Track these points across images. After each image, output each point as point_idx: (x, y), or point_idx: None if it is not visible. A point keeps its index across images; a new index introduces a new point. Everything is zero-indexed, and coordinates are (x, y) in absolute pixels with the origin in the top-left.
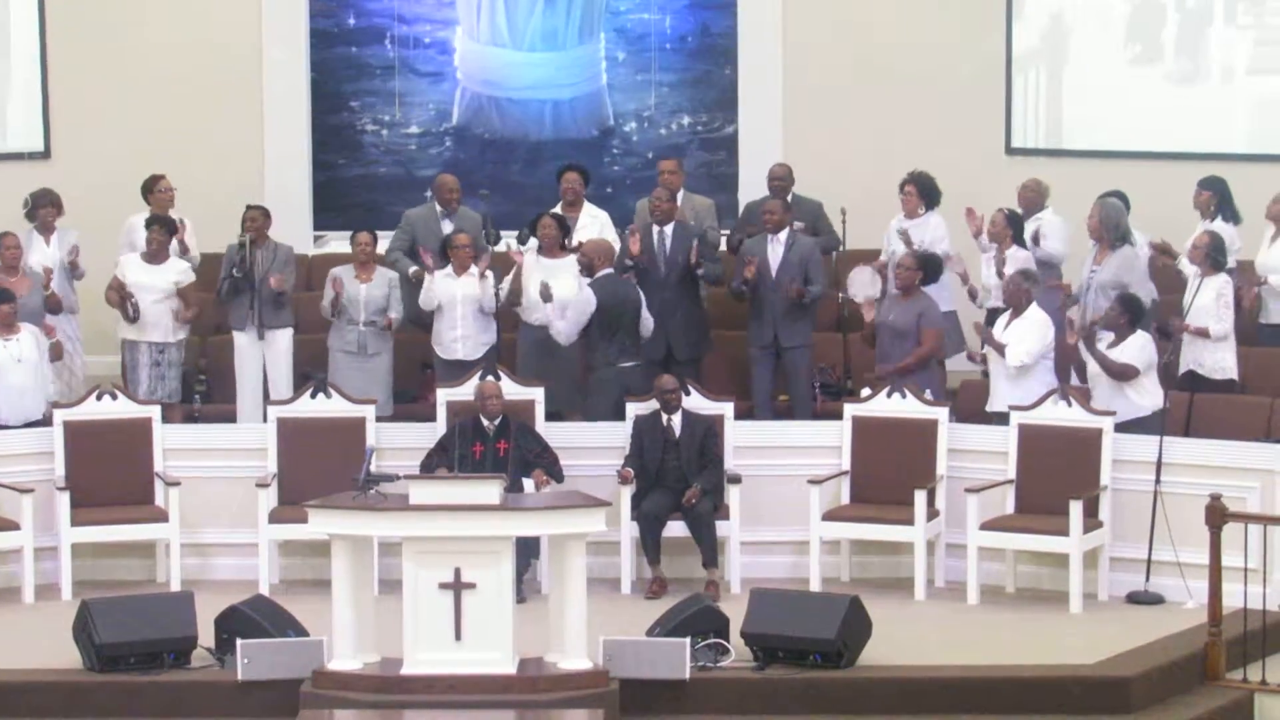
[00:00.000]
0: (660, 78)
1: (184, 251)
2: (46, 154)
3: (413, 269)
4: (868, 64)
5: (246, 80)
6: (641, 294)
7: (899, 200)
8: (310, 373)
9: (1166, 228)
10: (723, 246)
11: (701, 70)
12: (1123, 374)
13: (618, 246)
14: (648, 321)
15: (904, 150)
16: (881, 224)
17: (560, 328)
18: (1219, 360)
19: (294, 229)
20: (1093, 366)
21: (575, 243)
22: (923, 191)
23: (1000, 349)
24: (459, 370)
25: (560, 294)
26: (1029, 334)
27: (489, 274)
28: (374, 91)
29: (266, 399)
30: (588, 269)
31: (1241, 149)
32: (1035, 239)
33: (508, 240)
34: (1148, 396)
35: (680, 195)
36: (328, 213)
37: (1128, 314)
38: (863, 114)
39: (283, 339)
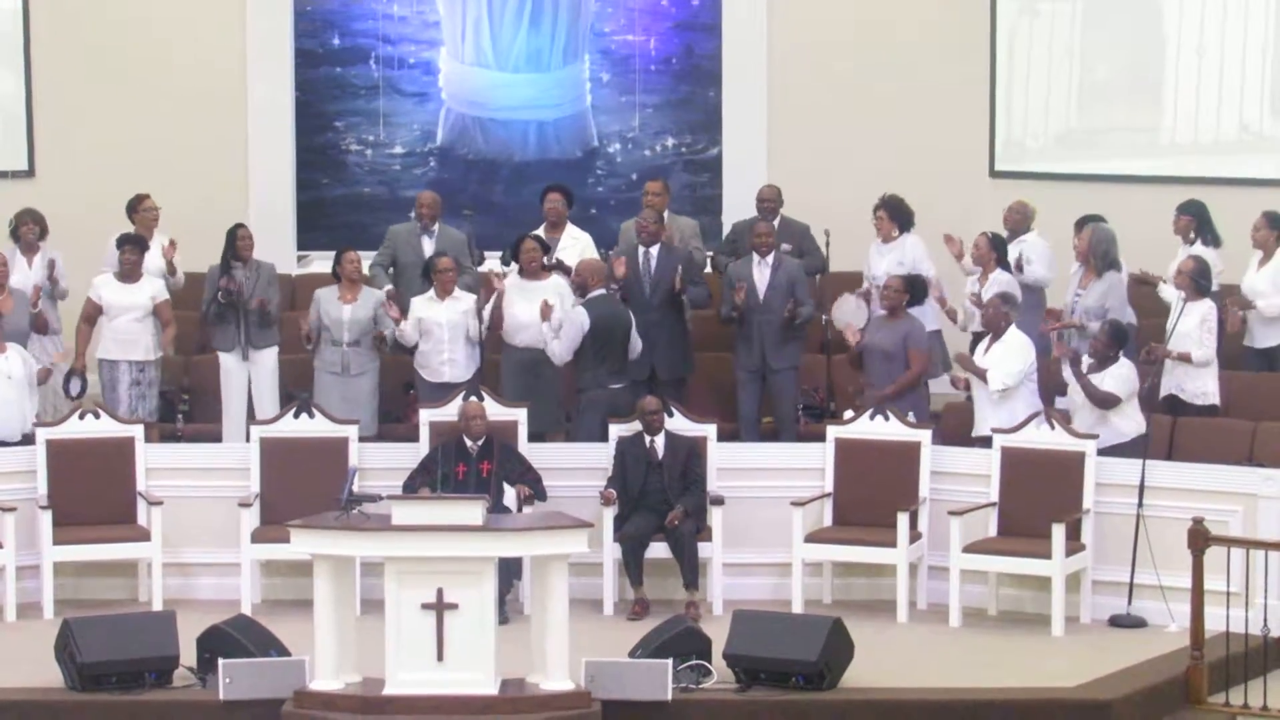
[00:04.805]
0: (644, 99)
1: (172, 273)
2: (30, 172)
3: (387, 287)
4: (852, 86)
5: (231, 100)
6: (631, 314)
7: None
8: (294, 392)
9: (1148, 251)
10: (708, 268)
11: (686, 92)
12: (1104, 401)
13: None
14: (636, 342)
15: (888, 173)
16: (867, 246)
17: (554, 348)
18: (1200, 385)
19: (278, 248)
20: (1075, 392)
21: (554, 261)
22: (894, 215)
23: (981, 375)
24: (445, 393)
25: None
26: (1008, 356)
27: (470, 299)
28: (358, 111)
29: (252, 419)
30: (581, 289)
31: (1223, 173)
32: (1019, 264)
33: (491, 262)
34: (1129, 422)
35: (666, 216)
36: (311, 232)
37: (1116, 344)
38: (847, 136)
39: (268, 359)
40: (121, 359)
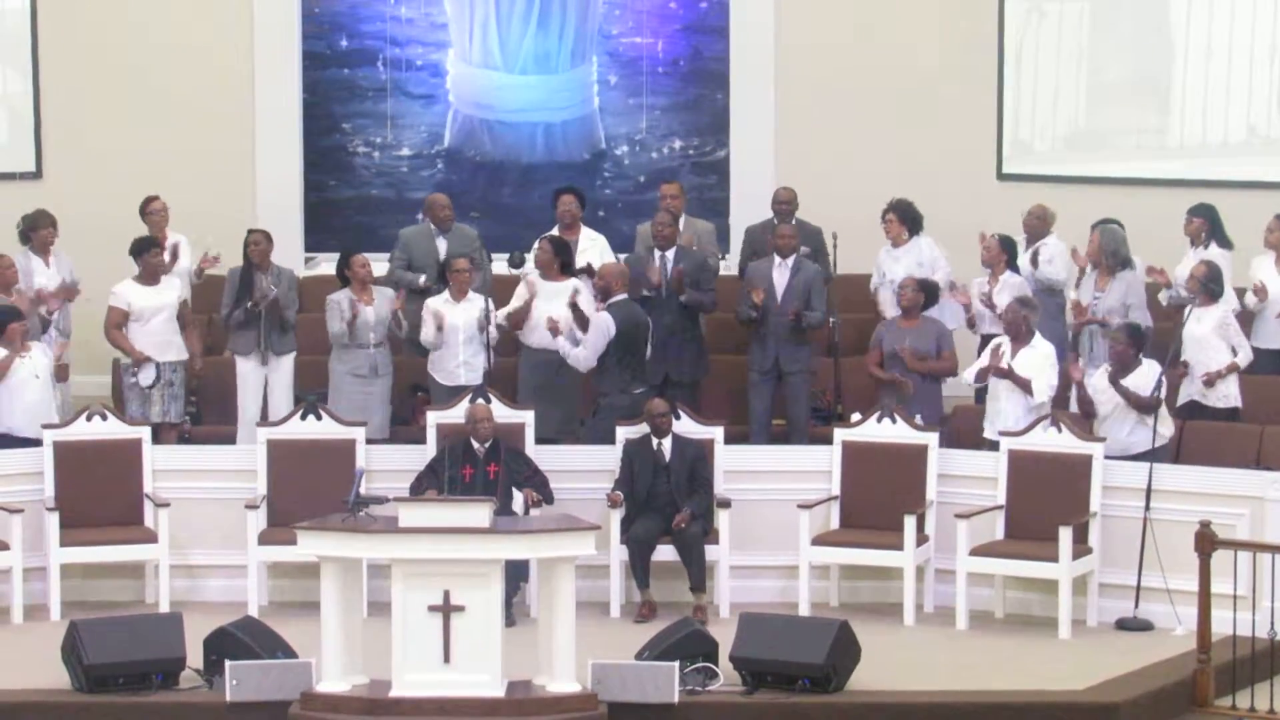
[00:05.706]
0: (652, 101)
1: (199, 275)
2: (38, 174)
3: (422, 278)
4: (860, 89)
5: (239, 101)
6: (649, 319)
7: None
8: (302, 394)
9: (1157, 254)
10: (725, 270)
11: (693, 94)
12: (1153, 405)
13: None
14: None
15: (895, 175)
16: (874, 248)
17: (578, 354)
18: (1223, 389)
19: (285, 250)
20: (1103, 402)
21: (586, 265)
22: (903, 218)
23: (1025, 385)
24: (459, 395)
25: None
26: (1046, 367)
27: (485, 301)
28: (366, 113)
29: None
30: (604, 293)
31: (1230, 175)
32: (1034, 260)
33: (497, 264)
34: (1165, 423)
35: (682, 219)
36: (319, 234)
37: (1135, 345)
38: (855, 139)
39: (286, 364)
40: (157, 360)
